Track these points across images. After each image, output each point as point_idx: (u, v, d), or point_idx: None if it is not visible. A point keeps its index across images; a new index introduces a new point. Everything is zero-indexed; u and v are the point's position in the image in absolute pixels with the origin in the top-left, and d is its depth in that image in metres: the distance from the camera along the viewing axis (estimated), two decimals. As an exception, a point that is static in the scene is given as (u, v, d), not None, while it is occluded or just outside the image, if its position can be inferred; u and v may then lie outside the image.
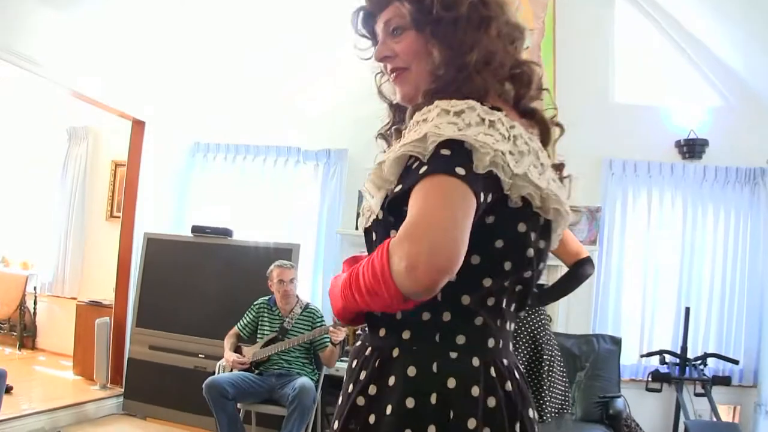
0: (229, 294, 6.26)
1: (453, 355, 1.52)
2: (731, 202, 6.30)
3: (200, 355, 6.24)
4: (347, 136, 6.81)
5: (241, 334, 5.70)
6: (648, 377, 5.88)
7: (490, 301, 1.57)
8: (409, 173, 1.47)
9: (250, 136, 7.28)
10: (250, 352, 5.48)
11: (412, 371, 1.51)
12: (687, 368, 5.78)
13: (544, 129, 1.68)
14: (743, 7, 5.68)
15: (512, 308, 1.63)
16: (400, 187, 1.48)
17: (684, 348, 5.84)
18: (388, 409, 1.50)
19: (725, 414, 5.75)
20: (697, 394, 5.67)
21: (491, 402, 1.49)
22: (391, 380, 1.53)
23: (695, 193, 6.33)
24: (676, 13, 6.37)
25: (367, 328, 1.67)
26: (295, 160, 7.10)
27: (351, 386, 1.61)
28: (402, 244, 1.35)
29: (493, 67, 1.60)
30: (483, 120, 1.47)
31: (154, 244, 6.62)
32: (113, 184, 8.42)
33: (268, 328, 5.61)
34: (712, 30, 6.28)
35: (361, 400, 1.56)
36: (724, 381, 5.81)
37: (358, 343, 1.69)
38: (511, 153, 1.48)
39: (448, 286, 1.40)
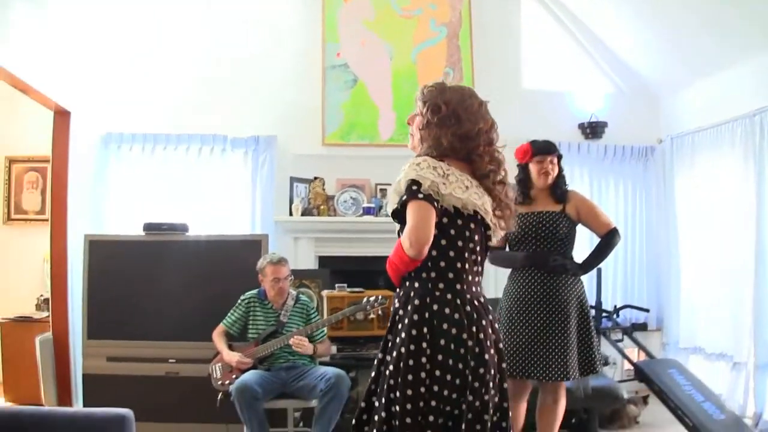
0: (194, 292, 6.45)
1: (437, 293, 3.14)
2: (628, 175, 8.32)
3: (170, 360, 6.39)
4: (275, 122, 7.76)
5: (230, 332, 5.96)
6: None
7: (458, 264, 3.16)
8: (403, 196, 3.12)
9: (170, 125, 7.67)
10: (248, 351, 5.76)
11: (416, 301, 3.14)
12: (602, 320, 7.29)
13: (481, 173, 3.24)
14: (633, 5, 7.58)
15: (474, 268, 3.23)
16: (404, 197, 3.10)
17: (599, 302, 7.35)
18: (406, 319, 3.14)
19: (633, 355, 7.30)
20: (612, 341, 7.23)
21: (455, 316, 3.10)
22: (409, 306, 3.15)
23: (598, 168, 8.25)
24: (574, 9, 8.20)
25: (406, 282, 3.24)
26: (221, 148, 7.73)
27: (401, 310, 3.20)
28: (405, 238, 3.02)
29: (445, 146, 3.19)
30: (429, 166, 3.08)
31: (97, 246, 6.58)
32: (8, 184, 8.41)
33: (262, 323, 5.92)
34: (606, 25, 8.12)
35: (397, 318, 3.23)
36: (642, 327, 7.62)
37: (400, 293, 3.25)
38: (443, 183, 3.06)
39: (432, 259, 3.11)
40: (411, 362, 3.04)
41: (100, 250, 6.57)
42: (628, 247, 8.15)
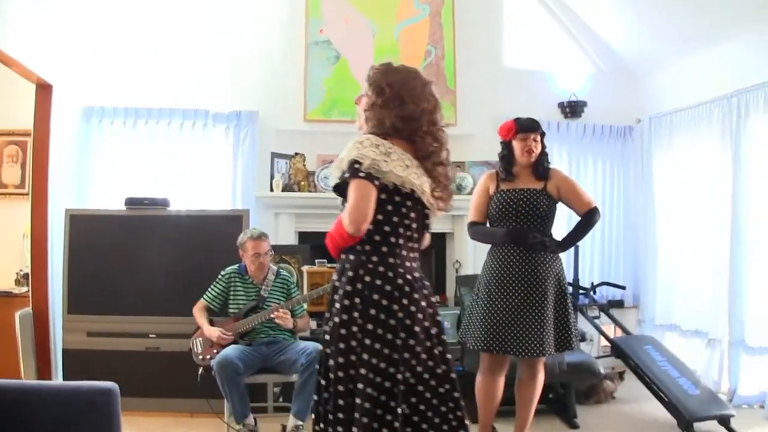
0: (176, 267, 6.53)
1: (370, 265, 3.29)
2: (607, 154, 8.45)
3: (151, 335, 6.44)
4: (257, 98, 7.72)
5: (211, 307, 6.01)
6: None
7: (392, 239, 3.31)
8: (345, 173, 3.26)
9: (152, 100, 7.58)
10: (229, 326, 5.83)
11: (350, 273, 3.30)
12: (579, 296, 7.38)
13: (423, 153, 3.40)
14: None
15: (409, 244, 3.38)
16: (347, 175, 3.22)
17: (576, 279, 7.45)
18: (341, 290, 3.31)
19: (609, 332, 7.41)
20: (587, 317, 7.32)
21: (387, 288, 3.25)
22: (343, 278, 3.32)
23: (577, 147, 8.36)
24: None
25: (343, 255, 3.41)
26: (203, 123, 7.64)
27: (337, 281, 3.39)
28: (346, 215, 3.18)
29: (388, 126, 3.33)
30: (372, 145, 3.22)
31: (78, 221, 6.57)
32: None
33: (243, 298, 6.00)
34: (588, 5, 8.14)
35: (336, 287, 3.40)
36: (619, 304, 7.72)
37: (338, 265, 3.42)
38: (384, 161, 3.19)
39: (368, 232, 3.21)
40: (343, 331, 3.23)
41: (80, 224, 6.57)
42: (605, 225, 8.28)
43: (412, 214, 3.33)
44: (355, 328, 3.20)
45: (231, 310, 6.01)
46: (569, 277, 7.09)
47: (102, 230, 6.62)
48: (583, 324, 7.04)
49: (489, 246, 5.21)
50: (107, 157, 7.49)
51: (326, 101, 7.86)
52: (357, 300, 3.23)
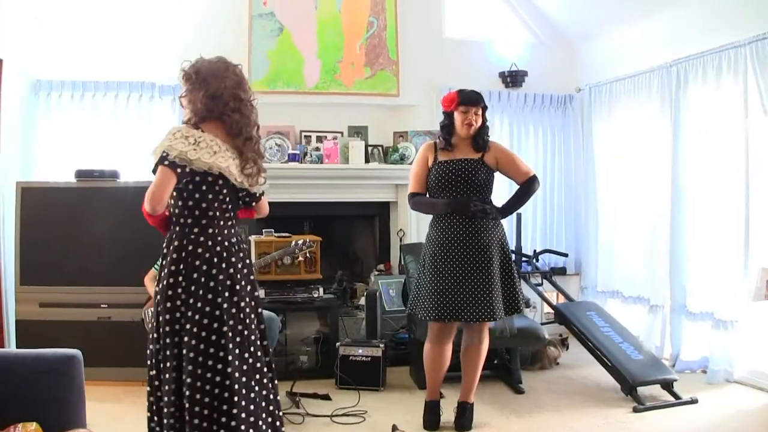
0: (127, 238, 6.50)
1: (192, 236, 3.70)
2: (548, 123, 8.45)
3: (103, 305, 6.46)
4: None
5: None
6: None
7: (210, 213, 3.72)
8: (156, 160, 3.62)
9: (99, 72, 7.41)
10: None
11: (176, 243, 3.69)
12: (522, 264, 7.41)
13: (234, 131, 3.73)
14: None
15: (225, 215, 3.77)
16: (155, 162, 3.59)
17: (519, 247, 7.48)
18: (169, 257, 3.70)
19: (552, 299, 7.45)
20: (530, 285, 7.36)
21: (206, 255, 3.67)
22: (171, 246, 3.70)
23: (518, 116, 8.35)
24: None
25: (171, 227, 3.80)
26: (150, 95, 7.46)
27: (165, 249, 3.75)
28: (146, 195, 3.55)
29: (200, 108, 3.68)
30: (182, 137, 3.58)
31: (30, 194, 6.55)
32: None
33: None
34: None
35: (165, 254, 3.77)
36: (561, 271, 7.78)
37: (168, 236, 3.79)
38: (193, 149, 3.55)
39: (189, 208, 3.67)
40: (170, 292, 3.67)
41: (31, 197, 6.56)
42: (547, 194, 8.33)
43: (225, 191, 3.74)
44: (179, 290, 3.64)
45: (181, 280, 6.00)
46: (512, 245, 6.93)
47: (53, 202, 6.61)
48: (526, 291, 7.01)
49: (431, 216, 5.24)
50: (56, 130, 7.32)
51: (270, 73, 7.74)
52: (182, 266, 3.66)
